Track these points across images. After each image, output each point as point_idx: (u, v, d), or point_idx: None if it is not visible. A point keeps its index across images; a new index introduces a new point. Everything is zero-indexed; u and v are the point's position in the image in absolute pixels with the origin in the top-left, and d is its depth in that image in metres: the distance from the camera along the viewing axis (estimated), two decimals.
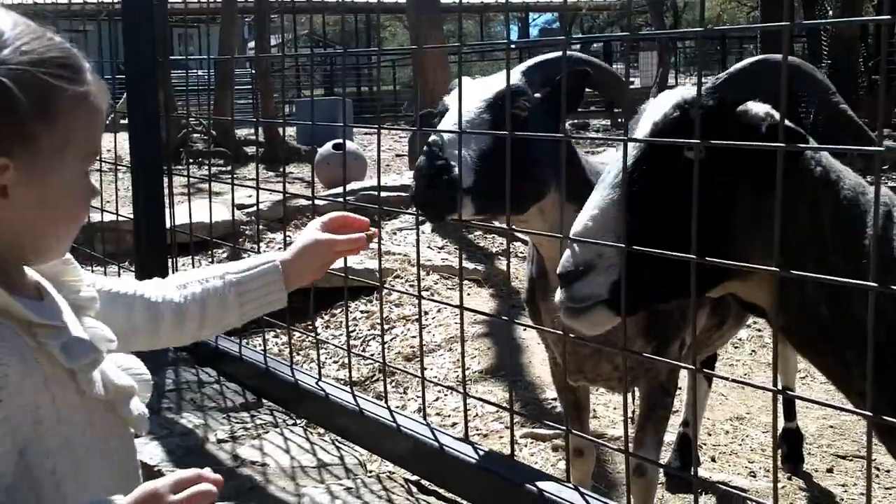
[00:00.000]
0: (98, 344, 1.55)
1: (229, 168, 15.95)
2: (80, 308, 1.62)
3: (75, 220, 1.56)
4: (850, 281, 1.58)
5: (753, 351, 6.39)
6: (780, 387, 4.50)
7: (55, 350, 1.43)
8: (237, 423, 3.08)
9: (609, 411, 5.34)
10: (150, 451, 2.88)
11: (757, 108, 2.17)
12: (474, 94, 2.90)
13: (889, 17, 1.49)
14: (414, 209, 2.75)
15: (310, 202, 9.61)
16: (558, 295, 2.17)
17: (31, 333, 1.44)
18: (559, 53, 2.99)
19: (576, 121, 25.30)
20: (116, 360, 1.64)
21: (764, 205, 2.06)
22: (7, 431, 1.35)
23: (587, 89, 3.08)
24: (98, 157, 1.70)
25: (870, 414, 1.62)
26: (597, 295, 2.10)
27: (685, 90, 2.26)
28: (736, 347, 6.43)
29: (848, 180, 2.21)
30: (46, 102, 1.41)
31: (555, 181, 2.95)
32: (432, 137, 2.73)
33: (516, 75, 2.97)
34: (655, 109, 2.23)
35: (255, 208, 9.30)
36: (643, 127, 2.23)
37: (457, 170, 2.63)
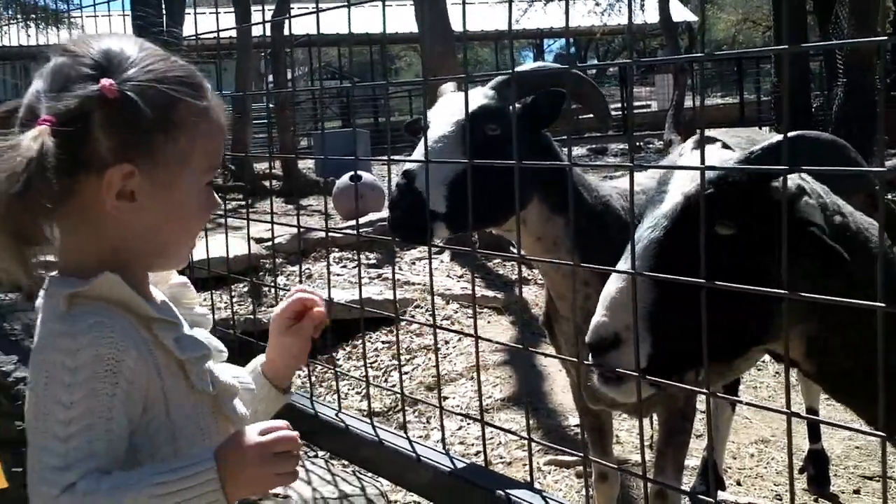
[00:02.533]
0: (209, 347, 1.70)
1: (248, 202, 16.03)
2: (194, 323, 1.77)
3: (195, 229, 1.71)
4: (855, 301, 1.57)
5: (777, 373, 6.36)
6: (803, 409, 4.48)
7: (169, 342, 1.58)
8: None
9: (632, 437, 5.32)
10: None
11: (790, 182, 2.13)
12: (449, 113, 2.95)
13: (886, 37, 1.49)
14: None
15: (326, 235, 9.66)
16: (590, 359, 2.14)
17: (147, 327, 1.58)
18: (535, 65, 3.04)
19: (594, 145, 25.31)
20: (224, 368, 1.79)
21: (796, 271, 2.03)
22: (123, 412, 1.49)
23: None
24: (221, 172, 1.87)
25: (883, 434, 1.62)
26: (631, 368, 2.04)
27: (722, 155, 2.25)
28: (759, 370, 6.40)
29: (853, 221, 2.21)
30: (169, 116, 1.54)
31: (537, 193, 2.99)
32: (407, 165, 2.85)
33: (487, 92, 3.01)
34: (687, 179, 2.19)
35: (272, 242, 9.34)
36: (673, 197, 2.20)
37: (427, 198, 2.73)
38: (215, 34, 3.79)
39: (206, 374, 1.65)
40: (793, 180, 2.13)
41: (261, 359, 1.98)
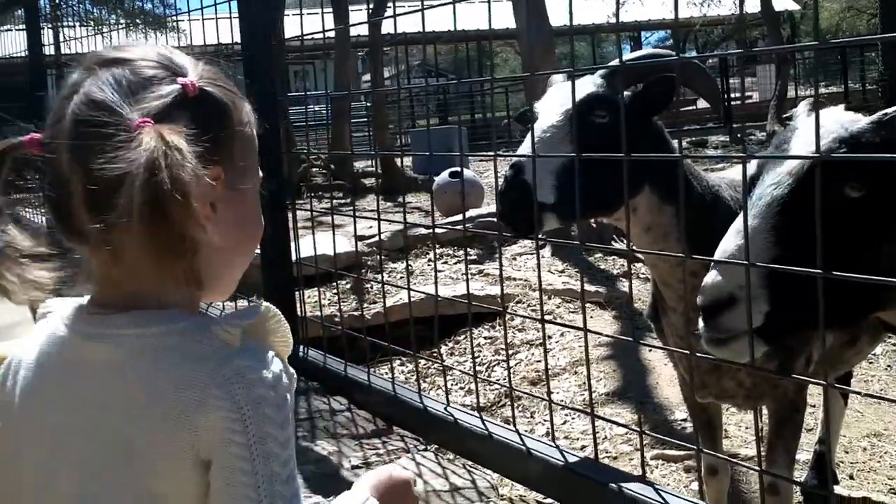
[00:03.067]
0: None
1: (348, 200, 16.21)
2: None
3: (255, 246, 1.56)
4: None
5: (889, 366, 6.21)
6: None
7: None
8: (369, 449, 3.13)
9: (741, 431, 5.25)
10: None
11: None
12: (557, 103, 2.95)
13: None
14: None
15: (428, 231, 9.73)
16: (701, 326, 2.13)
17: None
18: (644, 52, 3.02)
19: (693, 138, 24.98)
20: None
21: None
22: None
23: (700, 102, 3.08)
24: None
25: None
26: (744, 328, 2.03)
27: (844, 117, 2.19)
28: (870, 363, 6.26)
29: None
30: (234, 114, 1.45)
31: (647, 181, 2.96)
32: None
33: (597, 80, 2.99)
34: (809, 136, 2.16)
35: (374, 239, 9.43)
36: (798, 152, 2.17)
37: (535, 190, 2.73)
38: (320, 34, 3.85)
39: None
40: None
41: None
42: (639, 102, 2.95)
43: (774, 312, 2.05)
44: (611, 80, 2.98)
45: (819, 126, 1.83)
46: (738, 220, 2.13)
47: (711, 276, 2.10)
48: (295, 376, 1.40)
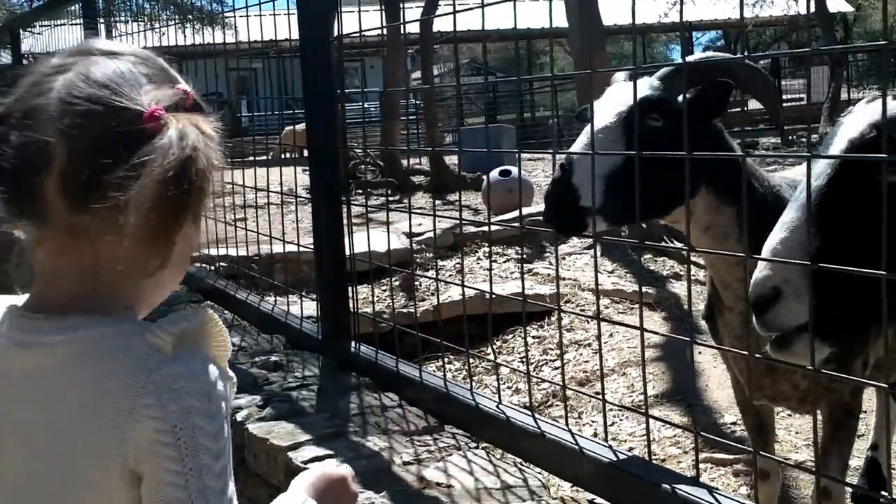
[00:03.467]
0: None
1: (397, 197, 16.25)
2: None
3: (180, 279, 1.49)
4: None
5: None
6: None
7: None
8: (420, 445, 3.14)
9: (791, 436, 5.21)
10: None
11: None
12: (613, 104, 2.95)
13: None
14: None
15: (478, 228, 9.75)
16: (754, 321, 2.14)
17: None
18: (705, 54, 3.01)
19: (745, 140, 24.73)
20: None
21: None
22: None
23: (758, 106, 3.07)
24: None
25: None
26: (795, 323, 2.04)
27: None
28: None
29: None
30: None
31: (704, 181, 2.96)
32: (564, 157, 2.85)
33: (653, 83, 2.99)
34: (852, 126, 2.17)
35: (424, 236, 9.47)
36: (838, 144, 2.17)
37: (581, 193, 2.76)
38: (377, 30, 3.86)
39: None
40: None
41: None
42: (696, 106, 2.94)
43: (822, 307, 2.02)
44: (667, 83, 2.98)
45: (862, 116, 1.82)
46: (784, 215, 2.15)
47: (757, 271, 2.12)
48: (235, 381, 1.38)
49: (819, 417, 3.36)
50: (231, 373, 1.36)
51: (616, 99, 2.96)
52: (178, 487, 1.22)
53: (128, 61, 1.34)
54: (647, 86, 2.98)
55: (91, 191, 1.23)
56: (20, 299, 1.37)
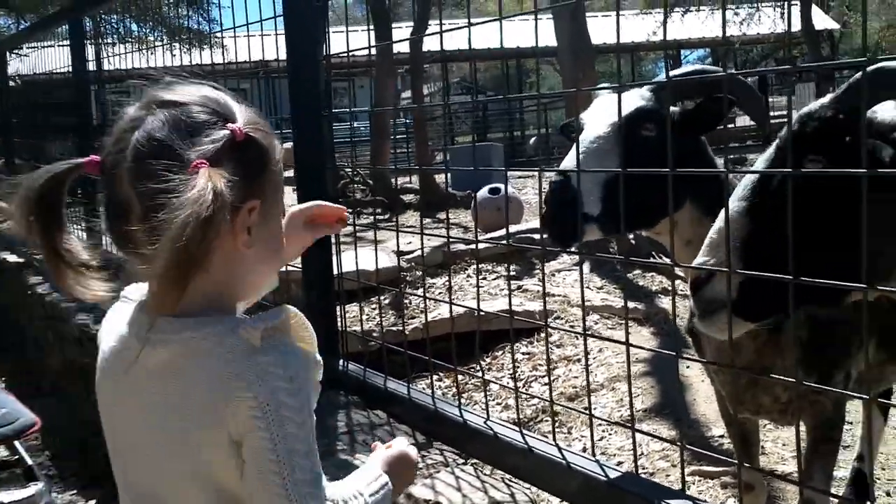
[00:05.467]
0: None
1: (387, 216, 16.27)
2: None
3: (281, 261, 1.85)
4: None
5: None
6: None
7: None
8: None
9: (778, 447, 5.23)
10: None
11: (885, 114, 2.20)
12: (604, 115, 2.98)
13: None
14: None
15: (468, 246, 9.77)
16: (690, 303, 2.30)
17: None
18: (692, 68, 3.05)
19: (733, 156, 24.82)
20: None
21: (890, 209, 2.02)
22: None
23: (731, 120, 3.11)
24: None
25: None
26: (721, 297, 2.23)
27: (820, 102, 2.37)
28: None
29: None
30: (272, 151, 1.67)
31: (689, 196, 2.99)
32: (563, 165, 2.90)
33: (644, 94, 3.02)
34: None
35: (414, 254, 9.48)
36: (771, 146, 2.40)
37: (581, 202, 2.81)
38: (365, 50, 3.88)
39: None
40: (891, 114, 2.26)
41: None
42: (690, 119, 2.98)
43: (749, 286, 2.22)
44: (658, 96, 3.01)
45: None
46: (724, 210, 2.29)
47: (697, 258, 2.33)
48: (321, 362, 1.71)
49: (803, 429, 3.39)
50: (319, 357, 1.69)
51: (609, 108, 2.99)
52: (269, 451, 1.50)
53: (186, 111, 1.60)
54: (639, 97, 3.01)
55: (154, 224, 1.48)
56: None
